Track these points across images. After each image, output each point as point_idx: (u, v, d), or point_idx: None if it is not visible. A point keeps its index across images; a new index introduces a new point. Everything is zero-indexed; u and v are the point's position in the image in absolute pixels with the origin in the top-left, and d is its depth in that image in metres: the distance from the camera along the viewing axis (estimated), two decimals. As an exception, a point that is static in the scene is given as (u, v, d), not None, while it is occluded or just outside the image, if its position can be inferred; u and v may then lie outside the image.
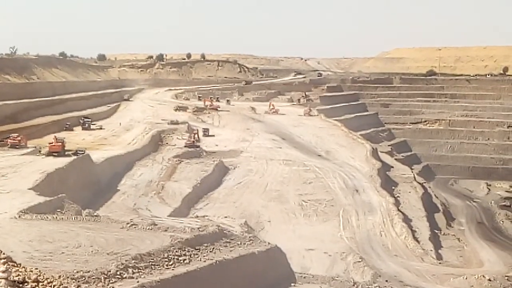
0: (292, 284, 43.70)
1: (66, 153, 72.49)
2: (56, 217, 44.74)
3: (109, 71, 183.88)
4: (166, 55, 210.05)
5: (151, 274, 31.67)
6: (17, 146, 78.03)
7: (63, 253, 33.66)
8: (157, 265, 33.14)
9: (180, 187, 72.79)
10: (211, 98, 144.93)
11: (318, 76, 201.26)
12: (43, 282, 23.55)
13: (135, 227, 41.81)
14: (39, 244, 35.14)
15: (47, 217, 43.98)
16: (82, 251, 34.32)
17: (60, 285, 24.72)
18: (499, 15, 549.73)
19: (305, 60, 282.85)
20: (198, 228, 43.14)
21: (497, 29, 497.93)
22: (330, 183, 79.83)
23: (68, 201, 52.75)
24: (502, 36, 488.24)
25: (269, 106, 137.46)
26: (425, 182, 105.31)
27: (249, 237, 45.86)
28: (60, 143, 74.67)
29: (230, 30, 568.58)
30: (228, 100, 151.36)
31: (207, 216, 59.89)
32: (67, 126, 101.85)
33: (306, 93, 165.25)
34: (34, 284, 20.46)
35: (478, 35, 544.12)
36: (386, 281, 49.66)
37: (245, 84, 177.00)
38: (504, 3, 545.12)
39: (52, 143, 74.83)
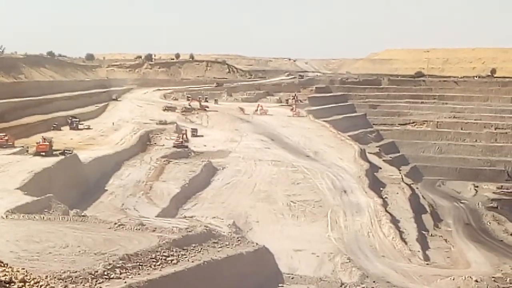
0: (280, 285, 43.72)
1: (54, 153, 72.20)
2: (44, 217, 44.56)
3: (97, 70, 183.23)
4: (154, 55, 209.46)
5: (138, 274, 31.58)
6: (4, 146, 77.65)
7: (50, 253, 33.53)
8: (144, 265, 33.05)
9: (168, 188, 72.65)
10: (199, 98, 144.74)
11: (299, 78, 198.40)
12: (29, 282, 23.45)
13: (122, 227, 41.71)
14: (26, 244, 34.99)
15: (35, 217, 43.80)
16: (69, 251, 34.19)
17: (47, 285, 24.62)
18: (487, 17, 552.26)
19: (294, 61, 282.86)
20: (186, 229, 43.09)
21: (485, 31, 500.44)
22: (318, 184, 79.94)
23: (55, 201, 52.58)
24: (490, 38, 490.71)
25: (257, 107, 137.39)
26: (412, 183, 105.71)
27: (237, 237, 45.86)
28: (48, 143, 74.34)
29: (219, 31, 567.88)
30: (216, 100, 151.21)
31: (195, 216, 59.88)
32: (54, 125, 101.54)
33: (295, 94, 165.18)
34: (21, 284, 20.37)
35: (467, 37, 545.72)
36: (374, 281, 49.79)
37: (216, 85, 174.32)
38: (492, 6, 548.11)
39: (39, 142, 74.52)
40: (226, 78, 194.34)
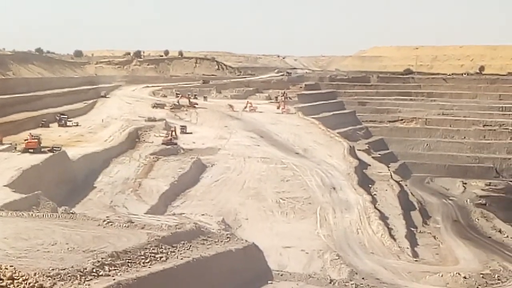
0: (269, 282, 43.63)
1: (42, 149, 71.90)
2: (32, 214, 44.34)
3: (86, 67, 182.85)
4: (143, 52, 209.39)
5: (127, 271, 31.46)
6: (-8, 143, 77.33)
7: (38, 250, 33.35)
8: (133, 262, 32.93)
9: (157, 185, 72.54)
10: (188, 95, 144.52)
11: (287, 75, 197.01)
12: (18, 279, 23.39)
13: (111, 225, 41.57)
14: (14, 241, 34.80)
15: (23, 214, 43.57)
16: (57, 248, 34.02)
17: (35, 283, 24.58)
18: (475, 15, 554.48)
19: (283, 58, 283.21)
20: (175, 226, 43.00)
21: (474, 28, 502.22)
22: (307, 181, 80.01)
23: (44, 198, 52.37)
24: (478, 36, 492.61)
25: (246, 104, 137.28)
26: (401, 180, 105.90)
27: (226, 234, 45.76)
28: (36, 140, 74.05)
29: (208, 28, 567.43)
30: (205, 97, 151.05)
31: (184, 213, 59.80)
32: (43, 122, 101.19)
33: (284, 91, 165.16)
34: (9, 281, 20.32)
35: (455, 35, 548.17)
36: (363, 278, 49.78)
37: (203, 83, 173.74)
38: (480, 3, 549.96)
39: (27, 139, 74.21)
40: (215, 75, 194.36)
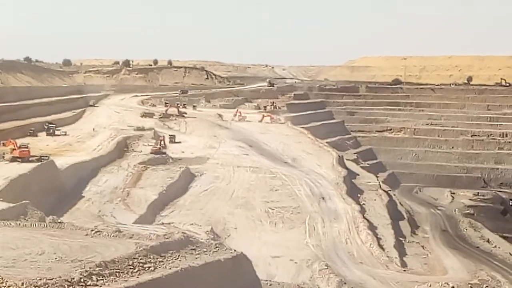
0: (258, 291, 43.61)
1: (30, 159, 71.60)
2: (20, 224, 44.09)
3: (75, 76, 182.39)
4: (132, 61, 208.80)
5: (115, 281, 31.32)
6: (-20, 152, 76.85)
7: (26, 260, 33.16)
8: (121, 272, 32.78)
9: (145, 194, 72.36)
10: (177, 104, 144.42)
11: (269, 86, 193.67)
12: (5, 289, 23.21)
13: (99, 234, 41.38)
14: (2, 251, 34.57)
15: (10, 224, 43.32)
16: (45, 258, 33.83)
17: (22, 293, 24.42)
18: (463, 25, 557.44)
19: (272, 68, 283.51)
20: (164, 235, 42.85)
21: (462, 39, 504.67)
22: (296, 190, 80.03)
23: (31, 207, 52.06)
24: (466, 46, 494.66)
25: (236, 113, 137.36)
26: (390, 190, 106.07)
27: (215, 244, 45.64)
28: (28, 149, 73.94)
29: (198, 37, 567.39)
30: (194, 106, 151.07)
31: (172, 223, 59.64)
32: (31, 131, 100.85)
33: (273, 101, 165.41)
34: (-4, 291, 20.16)
35: (443, 45, 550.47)
36: (352, 288, 49.86)
37: (181, 93, 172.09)
38: (468, 13, 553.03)
39: (15, 148, 73.90)
40: (204, 84, 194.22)
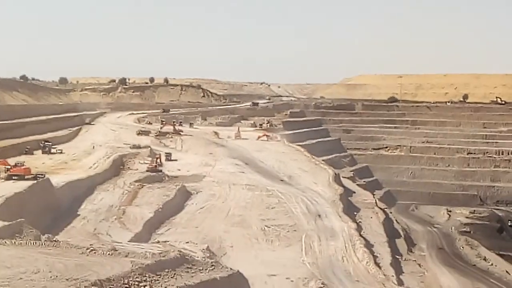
0: (254, 310, 43.46)
1: (26, 177, 71.43)
2: (15, 242, 43.88)
3: (71, 94, 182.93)
4: (128, 79, 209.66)
5: (111, 300, 31.22)
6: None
7: (21, 278, 33.00)
8: (117, 291, 32.67)
9: (141, 212, 72.09)
10: (173, 122, 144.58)
11: (254, 105, 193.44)
12: (-1, 308, 23.04)
13: (95, 253, 41.23)
14: (-3, 270, 34.44)
15: (5, 242, 43.12)
16: (40, 276, 33.67)
17: (16, 312, 24.24)
18: (459, 43, 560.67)
19: (268, 85, 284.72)
20: (159, 254, 42.72)
21: (458, 57, 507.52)
22: (292, 208, 79.83)
23: (27, 226, 51.81)
24: (462, 64, 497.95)
25: (237, 131, 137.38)
26: (386, 208, 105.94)
27: (211, 262, 45.53)
28: (26, 167, 73.88)
29: (194, 55, 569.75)
30: (191, 124, 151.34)
31: (168, 241, 59.32)
32: (27, 149, 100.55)
33: (270, 119, 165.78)
34: (-10, 310, 20.02)
35: (439, 63, 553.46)
36: (348, 306, 49.67)
37: (162, 111, 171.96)
38: (464, 32, 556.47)
39: (12, 166, 73.73)
40: (200, 102, 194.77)
